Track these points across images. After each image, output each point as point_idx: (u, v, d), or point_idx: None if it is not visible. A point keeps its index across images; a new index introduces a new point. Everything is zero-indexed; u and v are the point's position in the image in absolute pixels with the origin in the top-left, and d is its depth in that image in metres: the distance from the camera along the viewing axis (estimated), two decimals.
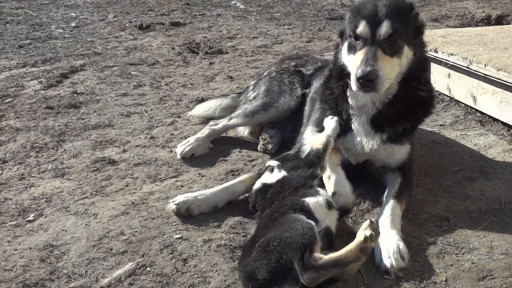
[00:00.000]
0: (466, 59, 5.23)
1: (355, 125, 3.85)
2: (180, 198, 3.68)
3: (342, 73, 3.81)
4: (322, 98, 4.15)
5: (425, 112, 4.00)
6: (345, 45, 3.72)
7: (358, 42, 3.59)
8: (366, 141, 3.82)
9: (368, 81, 3.41)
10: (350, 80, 3.65)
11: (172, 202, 3.66)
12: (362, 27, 3.54)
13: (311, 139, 3.90)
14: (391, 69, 3.56)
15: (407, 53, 3.64)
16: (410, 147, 3.93)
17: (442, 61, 5.63)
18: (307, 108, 4.52)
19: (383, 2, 3.61)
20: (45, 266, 3.13)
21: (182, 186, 4.04)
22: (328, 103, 4.03)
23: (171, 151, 4.69)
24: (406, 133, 3.87)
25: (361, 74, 3.41)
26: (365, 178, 3.97)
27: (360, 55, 3.51)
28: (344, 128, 3.89)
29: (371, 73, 3.40)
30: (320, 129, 3.95)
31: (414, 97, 3.78)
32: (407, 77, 3.69)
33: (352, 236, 3.35)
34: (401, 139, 3.85)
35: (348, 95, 3.82)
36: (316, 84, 4.58)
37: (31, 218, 3.67)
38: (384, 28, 3.51)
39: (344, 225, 3.52)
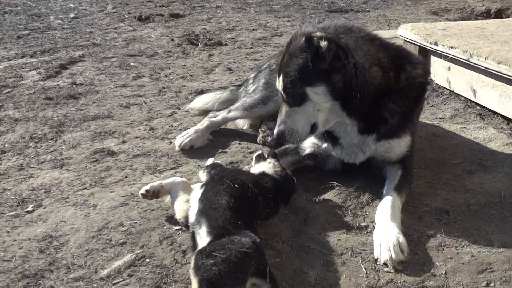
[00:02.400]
0: (466, 52, 5.21)
1: (346, 140, 3.87)
2: None
3: None
4: None
5: (411, 103, 3.90)
6: None
7: None
8: (363, 146, 3.83)
9: (283, 139, 3.68)
10: None
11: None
12: (276, 84, 3.80)
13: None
14: (301, 120, 3.68)
15: (318, 92, 3.59)
16: (410, 139, 3.90)
17: (442, 54, 5.61)
18: None
19: (282, 54, 3.75)
20: (44, 257, 3.12)
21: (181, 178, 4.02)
22: None
23: (171, 142, 4.68)
24: (401, 126, 3.83)
25: (275, 136, 3.75)
26: (366, 172, 3.97)
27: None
28: (335, 141, 3.93)
29: (279, 133, 3.70)
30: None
31: (388, 94, 3.74)
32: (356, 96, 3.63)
33: (350, 229, 3.38)
34: (397, 133, 3.82)
35: None
36: None
37: (30, 208, 3.66)
38: (280, 83, 3.71)
39: (343, 218, 3.52)
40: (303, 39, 3.58)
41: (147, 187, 3.50)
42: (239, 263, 2.55)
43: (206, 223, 2.90)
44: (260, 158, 3.76)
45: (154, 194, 3.49)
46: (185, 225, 3.27)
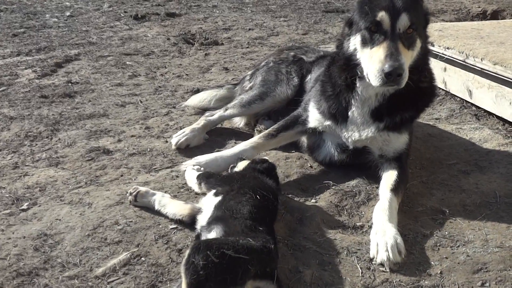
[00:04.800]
0: (462, 53, 5.23)
1: (354, 114, 3.87)
2: (191, 162, 4.01)
3: (349, 64, 3.77)
4: (324, 80, 4.15)
5: (425, 102, 4.01)
6: (357, 37, 3.64)
7: (375, 35, 3.51)
8: (362, 129, 3.84)
9: (397, 76, 3.36)
10: (359, 71, 3.67)
11: (184, 165, 4.04)
12: (382, 20, 3.47)
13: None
14: (407, 63, 3.51)
15: (418, 45, 3.63)
16: (408, 138, 3.94)
17: (438, 55, 5.62)
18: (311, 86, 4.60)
19: None
20: (39, 255, 3.11)
21: (177, 177, 4.02)
22: (327, 87, 4.05)
23: (166, 141, 4.67)
24: (405, 123, 3.88)
25: (390, 69, 3.33)
26: (363, 167, 3.99)
27: (382, 49, 3.43)
28: (341, 115, 3.93)
29: (401, 67, 3.35)
30: (318, 106, 4.08)
31: (415, 88, 3.72)
32: (412, 69, 3.62)
33: (345, 229, 3.39)
34: (400, 128, 3.86)
35: (357, 86, 3.79)
36: (318, 71, 4.57)
37: (25, 207, 3.64)
38: (404, 20, 3.46)
39: (339, 217, 3.52)
40: None
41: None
42: (231, 268, 2.50)
43: (220, 228, 2.89)
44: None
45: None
46: (189, 223, 3.29)
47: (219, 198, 3.22)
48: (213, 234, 2.88)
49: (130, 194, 3.60)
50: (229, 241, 2.60)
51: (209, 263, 2.45)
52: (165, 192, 3.69)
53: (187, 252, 2.56)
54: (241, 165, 3.73)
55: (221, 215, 3.00)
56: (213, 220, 3.00)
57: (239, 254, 2.53)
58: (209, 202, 3.26)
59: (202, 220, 3.15)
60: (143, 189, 3.60)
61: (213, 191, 3.39)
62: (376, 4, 3.54)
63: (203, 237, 2.95)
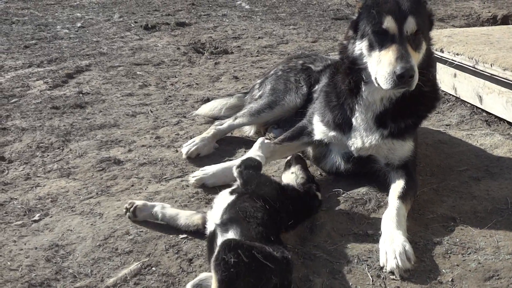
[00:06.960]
0: (472, 58, 5.21)
1: (358, 121, 3.86)
2: (199, 173, 4.08)
3: (353, 68, 3.75)
4: (327, 90, 4.16)
5: (428, 107, 3.99)
6: (364, 42, 3.62)
7: (383, 38, 3.51)
8: (366, 136, 3.83)
9: (409, 78, 3.36)
10: (365, 76, 3.67)
11: (192, 176, 4.06)
12: (389, 23, 3.48)
13: None
14: (416, 65, 3.51)
15: (423, 48, 3.64)
16: (413, 145, 3.92)
17: (448, 61, 5.61)
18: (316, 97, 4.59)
19: None
20: (50, 266, 3.13)
21: (188, 186, 4.03)
22: (332, 97, 4.05)
23: (177, 151, 4.69)
24: (409, 129, 3.86)
25: (402, 71, 3.32)
26: (371, 176, 3.98)
27: (391, 52, 3.42)
28: (347, 124, 3.93)
29: (412, 68, 3.35)
30: (322, 118, 4.08)
31: (418, 93, 3.68)
32: (418, 71, 3.57)
33: (356, 237, 3.38)
34: (403, 135, 3.84)
35: (363, 90, 3.77)
36: (324, 81, 4.56)
37: (36, 218, 3.67)
38: (411, 23, 3.48)
39: (349, 225, 3.52)
40: None
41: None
42: (257, 273, 2.52)
43: (237, 229, 2.89)
44: (286, 165, 3.79)
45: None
46: (203, 232, 3.28)
47: (233, 197, 3.22)
48: (230, 235, 2.88)
49: (128, 210, 3.54)
50: (257, 245, 2.62)
51: (240, 261, 2.48)
52: (175, 201, 3.71)
53: (217, 249, 2.58)
54: (284, 177, 3.71)
55: (235, 217, 3.00)
56: (228, 220, 2.99)
57: (266, 261, 2.54)
58: (222, 199, 3.26)
59: (214, 216, 3.13)
60: (139, 202, 3.55)
61: (229, 189, 3.39)
62: (382, 8, 3.55)
63: (219, 237, 2.94)
